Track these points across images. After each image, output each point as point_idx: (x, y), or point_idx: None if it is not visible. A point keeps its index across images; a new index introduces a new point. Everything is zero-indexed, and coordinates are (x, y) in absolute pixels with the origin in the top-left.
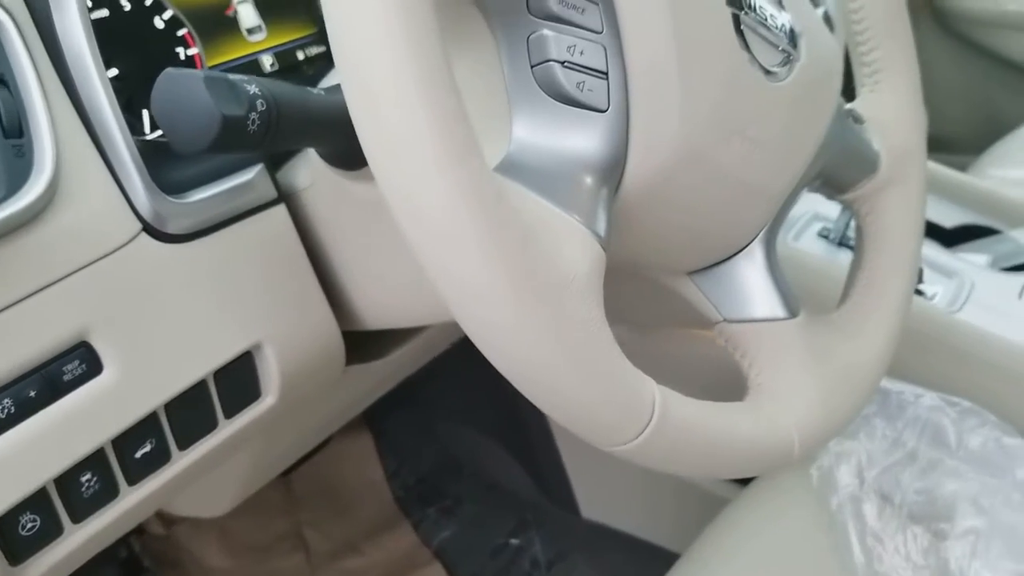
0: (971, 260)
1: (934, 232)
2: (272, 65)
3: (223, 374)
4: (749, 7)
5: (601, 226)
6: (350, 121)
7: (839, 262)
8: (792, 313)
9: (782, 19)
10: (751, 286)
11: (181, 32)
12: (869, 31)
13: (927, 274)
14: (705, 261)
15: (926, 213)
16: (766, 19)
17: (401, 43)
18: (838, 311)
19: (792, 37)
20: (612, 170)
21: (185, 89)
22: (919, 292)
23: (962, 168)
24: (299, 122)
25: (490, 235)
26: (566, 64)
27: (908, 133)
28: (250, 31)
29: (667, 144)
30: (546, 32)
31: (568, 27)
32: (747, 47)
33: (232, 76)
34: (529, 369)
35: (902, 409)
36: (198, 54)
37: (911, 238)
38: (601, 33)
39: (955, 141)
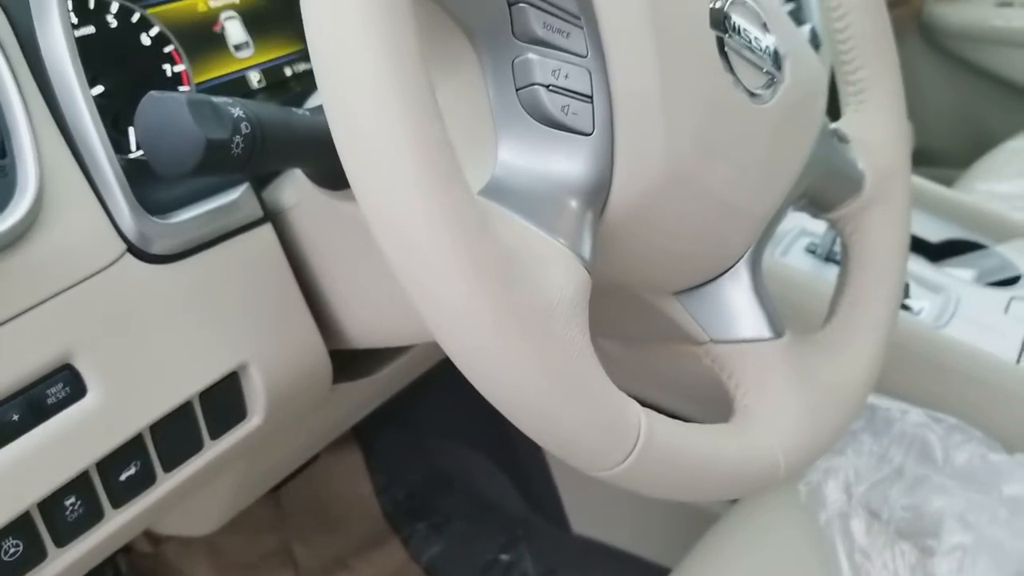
0: (957, 275)
1: (920, 247)
2: (259, 82)
3: (209, 395)
4: (733, 30)
5: (586, 249)
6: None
7: (826, 277)
8: (778, 333)
9: (766, 41)
10: (737, 306)
11: (168, 49)
12: (854, 50)
13: (913, 289)
14: (691, 282)
15: (911, 230)
16: (750, 41)
17: (384, 71)
18: (823, 330)
19: (776, 59)
20: (597, 193)
21: (169, 112)
22: (905, 307)
23: (949, 181)
24: (284, 144)
25: (473, 262)
26: (551, 88)
27: (893, 152)
28: (237, 47)
29: (652, 167)
30: (531, 56)
31: (553, 51)
32: (731, 70)
33: (216, 99)
34: (513, 394)
35: (889, 425)
36: (185, 71)
37: (896, 256)
38: (586, 57)
39: (942, 154)
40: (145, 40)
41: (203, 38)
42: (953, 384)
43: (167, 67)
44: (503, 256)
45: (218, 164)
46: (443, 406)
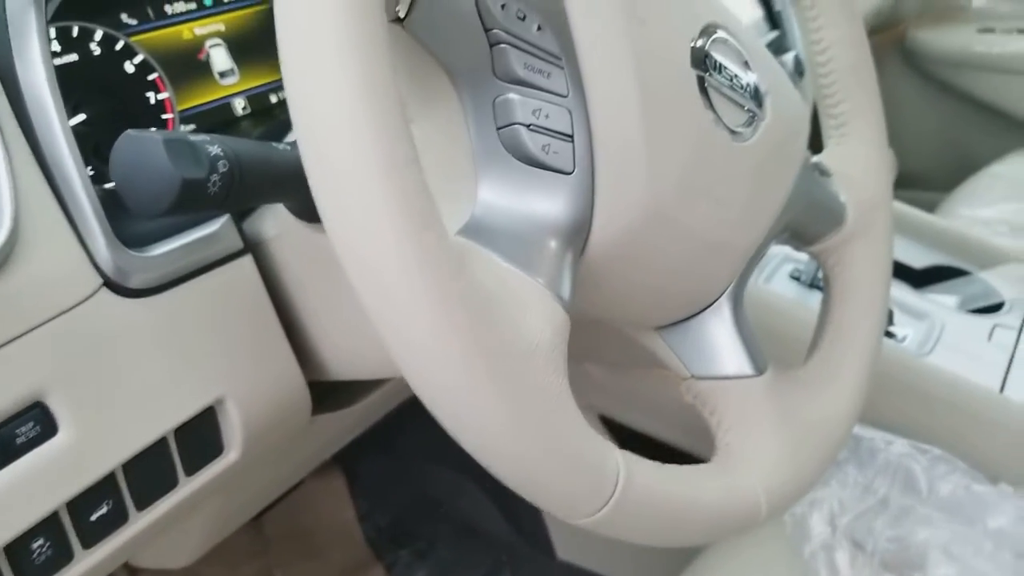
0: (941, 302)
1: (904, 273)
2: (244, 108)
3: (184, 431)
4: (714, 68)
5: (565, 289)
6: None
7: (811, 304)
8: (760, 370)
9: (747, 79)
10: (719, 342)
11: (152, 76)
12: (836, 84)
13: (897, 316)
14: (672, 317)
15: (893, 261)
16: (731, 79)
17: (360, 113)
18: (806, 364)
19: (757, 97)
20: (577, 232)
21: (144, 151)
22: (889, 334)
23: (932, 205)
24: (263, 180)
25: (446, 306)
26: (532, 127)
27: (874, 185)
28: (222, 75)
29: (633, 206)
30: (512, 96)
31: (534, 91)
32: (712, 108)
33: (194, 136)
34: (487, 441)
35: (873, 455)
36: (168, 98)
37: (878, 289)
38: (567, 97)
39: (925, 178)
40: (129, 68)
41: (188, 66)
42: (937, 413)
43: (151, 95)
44: (478, 299)
45: (195, 203)
46: (428, 430)
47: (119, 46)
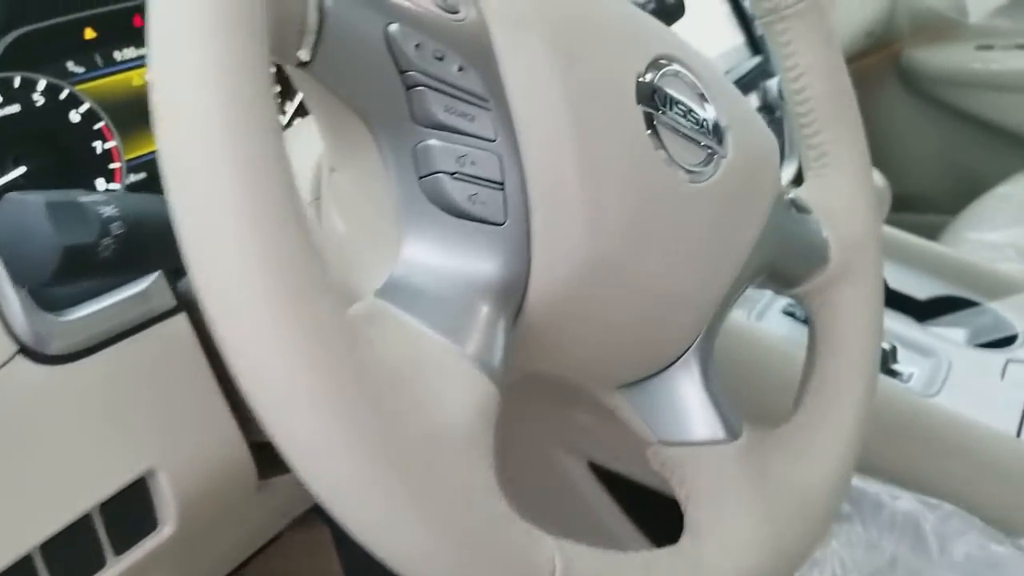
0: (948, 336)
1: (907, 305)
2: None
3: (111, 506)
4: (665, 103)
5: (497, 357)
6: None
7: (806, 342)
8: (733, 434)
9: (705, 114)
10: (687, 403)
11: (98, 126)
12: (813, 113)
13: (900, 352)
14: (632, 376)
15: (883, 302)
16: (685, 115)
17: (232, 173)
18: (788, 423)
19: (717, 132)
20: (512, 290)
21: (26, 216)
22: (893, 373)
23: (935, 229)
24: (169, 242)
25: (338, 389)
26: (456, 175)
27: (859, 221)
28: None
29: (573, 259)
30: (433, 142)
31: (457, 135)
32: (663, 146)
33: (86, 197)
34: (397, 545)
35: (878, 510)
36: (116, 147)
37: (867, 336)
38: (495, 141)
39: (927, 201)
40: (74, 117)
41: (137, 113)
42: (947, 461)
43: (97, 144)
44: (382, 375)
45: (83, 270)
46: None
47: (64, 95)
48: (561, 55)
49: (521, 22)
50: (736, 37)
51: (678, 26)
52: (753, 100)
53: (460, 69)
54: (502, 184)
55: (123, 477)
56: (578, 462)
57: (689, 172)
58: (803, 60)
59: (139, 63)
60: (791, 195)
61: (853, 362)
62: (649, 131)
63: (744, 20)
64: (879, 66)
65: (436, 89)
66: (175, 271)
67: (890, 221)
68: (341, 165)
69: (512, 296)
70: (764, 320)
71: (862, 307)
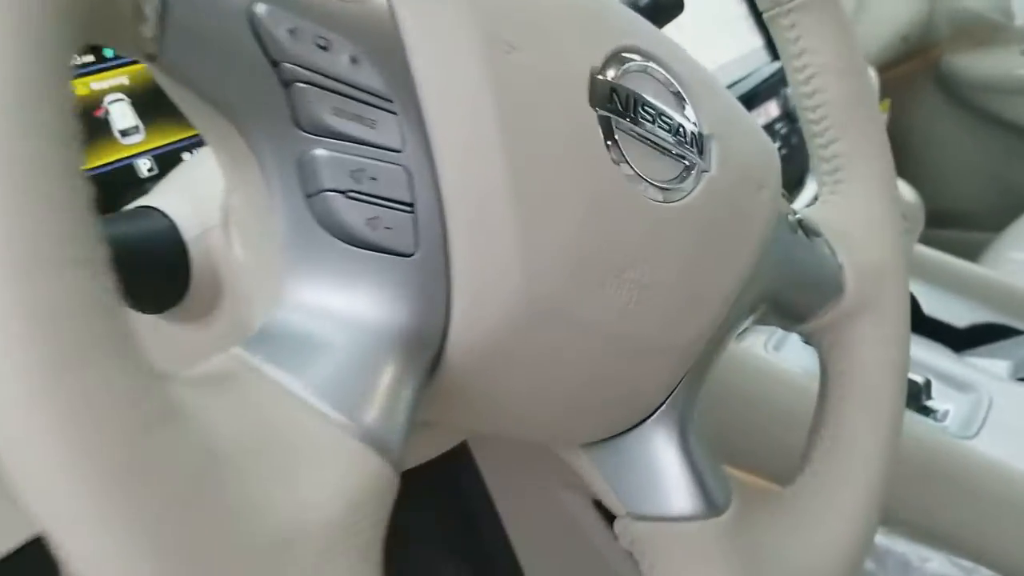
0: (988, 368)
1: (943, 333)
2: (150, 170)
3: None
4: (627, 106)
5: (397, 429)
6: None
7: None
8: (716, 509)
9: (680, 119)
10: (661, 468)
11: None
12: (826, 120)
13: (936, 387)
14: (596, 433)
15: (909, 346)
16: (655, 119)
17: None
18: (792, 486)
19: (697, 141)
20: (425, 340)
21: None
22: (926, 410)
23: (977, 247)
24: None
25: (119, 484)
26: (351, 194)
27: (881, 244)
28: (124, 132)
29: (507, 299)
30: (319, 152)
31: (351, 144)
32: (624, 158)
33: None
34: None
35: (905, 573)
36: None
37: (890, 382)
38: (401, 152)
39: (969, 217)
40: None
41: (83, 124)
42: (985, 514)
43: None
44: (215, 460)
45: None
46: (407, 511)
47: None
48: (492, 41)
49: None
50: (753, 40)
51: (680, 26)
52: (772, 109)
53: (353, 61)
54: (411, 205)
55: (15, 538)
56: (582, 500)
57: (660, 189)
58: (815, 59)
59: (86, 71)
60: (798, 215)
61: (871, 414)
62: (607, 140)
63: (763, 21)
64: (916, 73)
65: (321, 86)
66: None
67: (926, 239)
68: (229, 180)
69: (425, 348)
70: (782, 350)
71: (883, 347)
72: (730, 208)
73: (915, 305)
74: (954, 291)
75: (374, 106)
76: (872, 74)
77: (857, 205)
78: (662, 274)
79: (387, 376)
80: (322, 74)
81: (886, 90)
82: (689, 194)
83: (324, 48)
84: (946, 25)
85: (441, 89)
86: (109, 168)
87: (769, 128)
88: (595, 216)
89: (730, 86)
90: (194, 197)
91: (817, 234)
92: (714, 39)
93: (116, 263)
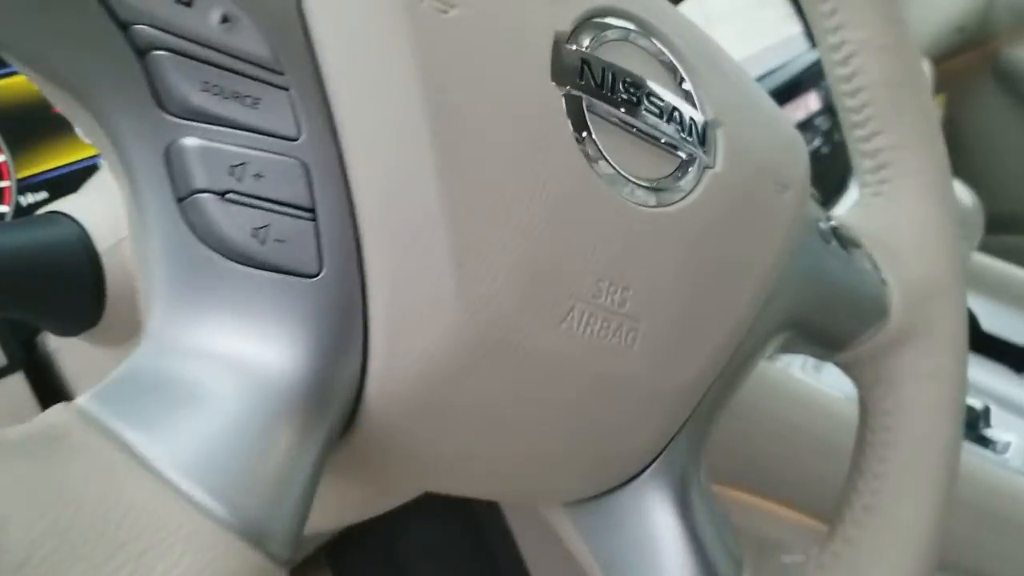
0: None
1: (1005, 353)
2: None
3: None
4: (601, 83)
5: (287, 514)
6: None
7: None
8: None
9: (676, 101)
10: (655, 536)
11: None
12: (868, 108)
13: (996, 414)
14: (572, 494)
15: (966, 379)
16: (639, 102)
17: None
18: (822, 551)
19: (698, 130)
20: (334, 388)
21: None
22: (984, 441)
23: None
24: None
25: None
26: (229, 196)
27: (934, 258)
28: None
29: (441, 330)
30: (188, 142)
31: (229, 130)
32: (600, 152)
33: None
34: None
35: None
36: (4, 162)
37: (943, 428)
38: (296, 140)
39: None
40: None
41: (36, 122)
42: None
43: None
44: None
45: None
46: (418, 523)
47: None
48: None
49: None
50: (791, 26)
51: (706, 12)
52: (813, 102)
53: (225, 20)
54: (311, 210)
55: None
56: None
57: (650, 190)
58: (854, 34)
59: None
60: (833, 222)
61: (919, 470)
62: (578, 127)
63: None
64: (972, 66)
65: (185, 53)
66: (11, 324)
67: (985, 246)
68: (118, 182)
69: (333, 400)
70: (822, 372)
71: (936, 384)
72: (741, 213)
73: (973, 321)
74: (1017, 305)
75: (257, 79)
76: (926, 66)
77: (905, 209)
78: (652, 298)
79: (280, 441)
80: (185, 38)
81: (941, 84)
82: (687, 196)
83: (186, 3)
84: (1006, 15)
85: (350, 56)
86: (69, 169)
87: (808, 123)
88: (560, 225)
89: (763, 77)
90: (112, 201)
91: (856, 245)
92: (746, 24)
93: (15, 274)
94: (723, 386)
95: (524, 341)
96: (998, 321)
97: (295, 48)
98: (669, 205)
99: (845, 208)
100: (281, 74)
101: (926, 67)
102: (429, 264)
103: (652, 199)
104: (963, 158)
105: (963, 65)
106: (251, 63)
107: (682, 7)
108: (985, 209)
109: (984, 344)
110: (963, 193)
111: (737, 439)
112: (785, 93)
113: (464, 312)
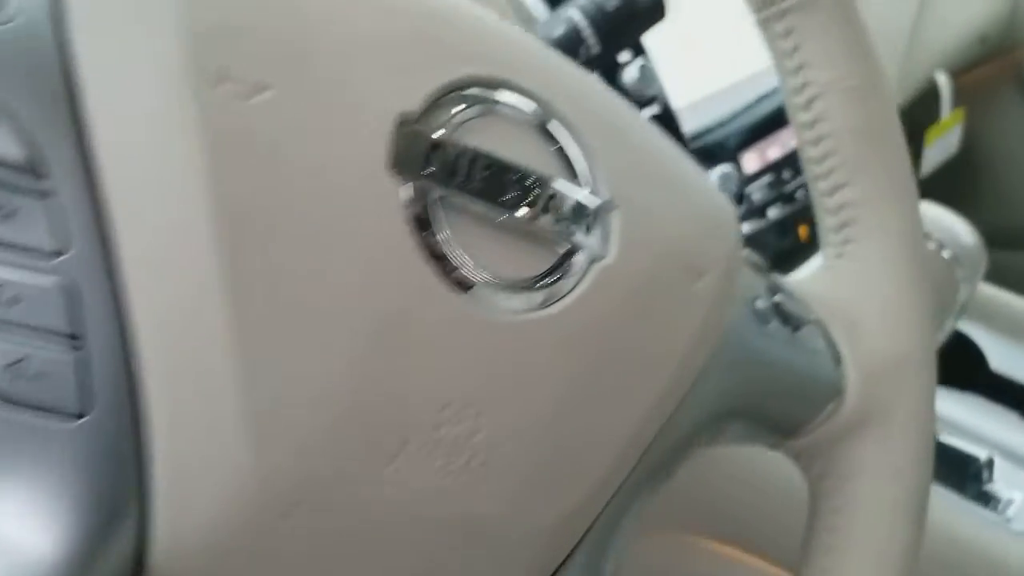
0: None
1: (1012, 395)
2: None
3: None
4: (453, 171)
5: None
6: None
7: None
8: None
9: (557, 183)
10: None
11: None
12: (833, 156)
13: (1000, 466)
14: None
15: (930, 474)
16: (506, 189)
17: None
18: None
19: (584, 215)
20: (107, 559)
21: None
22: (985, 497)
23: None
24: None
25: None
26: None
27: (898, 330)
28: None
29: (234, 480)
30: None
31: None
32: (446, 253)
33: None
34: None
35: None
36: None
37: (898, 532)
38: (60, 256)
39: None
40: None
41: None
42: None
43: None
44: None
45: None
46: None
47: None
48: (218, 79)
49: (143, 13)
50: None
51: (682, 39)
52: (792, 139)
53: None
54: (78, 338)
55: None
56: None
57: (516, 292)
58: (817, 75)
59: None
60: (777, 297)
61: (872, 570)
62: (420, 225)
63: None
64: (996, 78)
65: None
66: None
67: (1007, 265)
68: None
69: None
70: None
71: (892, 481)
72: (639, 309)
73: (980, 359)
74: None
75: (9, 186)
76: (943, 80)
77: (869, 274)
78: (512, 421)
79: None
80: None
81: (961, 97)
82: (567, 295)
83: None
84: None
85: (128, 154)
86: None
87: (788, 160)
88: (388, 349)
89: (740, 112)
90: None
91: (803, 322)
92: (727, 49)
93: None
94: (620, 508)
95: (336, 496)
96: (1008, 359)
97: (65, 146)
98: (542, 308)
99: (809, 270)
100: (45, 178)
101: (943, 82)
102: (217, 407)
103: (519, 303)
104: (983, 174)
105: (985, 76)
106: (2, 167)
107: (654, 30)
108: (1005, 227)
109: (991, 385)
110: (965, 231)
111: (709, 487)
112: (761, 130)
113: (260, 467)
